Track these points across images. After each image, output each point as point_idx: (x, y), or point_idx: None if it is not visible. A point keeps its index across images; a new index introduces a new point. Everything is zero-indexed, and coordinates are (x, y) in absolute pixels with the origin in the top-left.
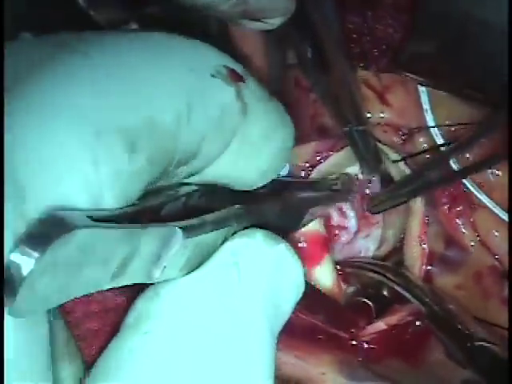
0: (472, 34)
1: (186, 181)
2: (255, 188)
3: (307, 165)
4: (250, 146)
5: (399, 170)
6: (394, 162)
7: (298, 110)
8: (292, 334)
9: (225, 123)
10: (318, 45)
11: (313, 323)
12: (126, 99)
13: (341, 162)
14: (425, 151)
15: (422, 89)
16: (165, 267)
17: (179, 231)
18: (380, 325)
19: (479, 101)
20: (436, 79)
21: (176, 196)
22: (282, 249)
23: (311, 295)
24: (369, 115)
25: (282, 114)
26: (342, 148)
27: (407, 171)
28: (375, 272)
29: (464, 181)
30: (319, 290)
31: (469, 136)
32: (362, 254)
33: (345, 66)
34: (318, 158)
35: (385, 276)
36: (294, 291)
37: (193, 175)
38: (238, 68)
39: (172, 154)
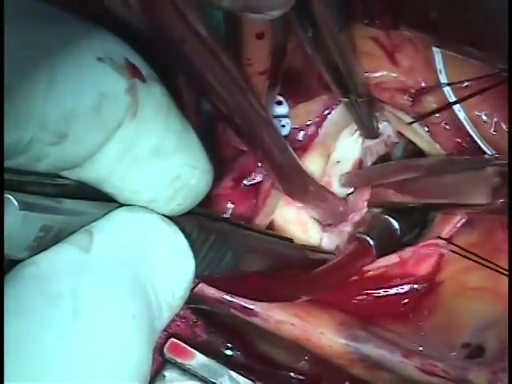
0: None
1: (66, 174)
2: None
3: (317, 119)
4: (137, 158)
5: (415, 132)
6: (409, 124)
7: (305, 67)
8: None
9: (104, 112)
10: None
11: None
12: None
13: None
14: (438, 111)
15: (435, 49)
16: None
17: (12, 200)
18: (393, 257)
19: (483, 59)
20: (439, 36)
21: (51, 183)
22: (155, 218)
23: None
24: (376, 75)
25: (191, 143)
26: None
27: (423, 133)
28: None
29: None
30: None
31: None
32: None
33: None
34: (327, 111)
35: None
36: (175, 261)
37: (72, 168)
38: (145, 69)
39: (23, 116)
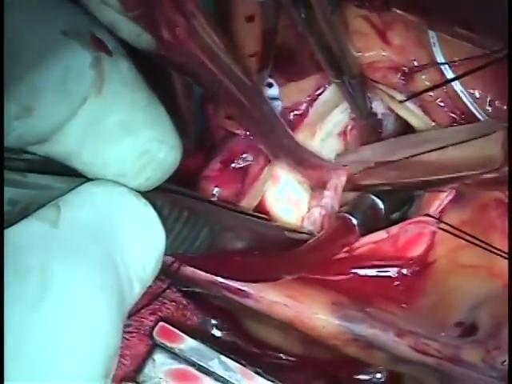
0: None
1: (35, 150)
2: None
3: (309, 98)
4: (105, 133)
5: (409, 110)
6: (401, 102)
7: (298, 45)
8: None
9: (69, 86)
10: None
11: None
12: None
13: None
14: (430, 89)
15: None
16: None
17: None
18: (380, 233)
19: (473, 41)
20: (430, 18)
21: (17, 158)
22: (123, 191)
23: None
24: (368, 54)
25: (159, 118)
26: None
27: (417, 111)
28: None
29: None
30: None
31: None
32: None
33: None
34: (319, 91)
35: None
36: (145, 234)
37: (40, 142)
38: (111, 43)
39: None
